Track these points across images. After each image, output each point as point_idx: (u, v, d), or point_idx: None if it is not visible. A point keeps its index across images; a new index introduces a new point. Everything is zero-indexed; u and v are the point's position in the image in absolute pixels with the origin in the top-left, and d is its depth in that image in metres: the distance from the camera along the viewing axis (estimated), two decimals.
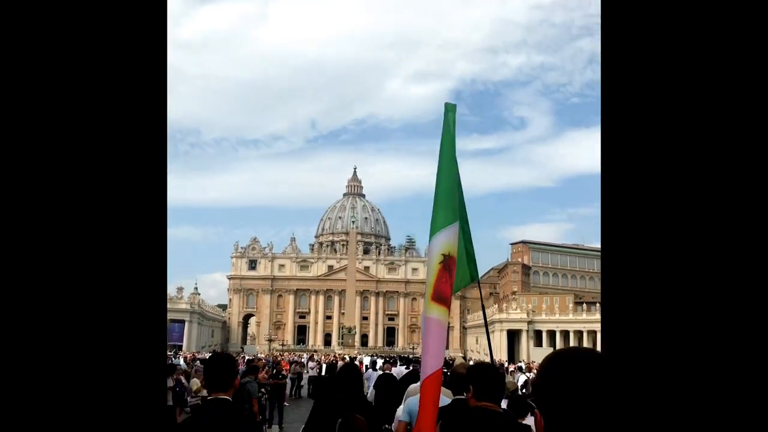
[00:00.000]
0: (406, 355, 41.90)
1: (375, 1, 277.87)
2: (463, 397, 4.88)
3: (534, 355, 74.64)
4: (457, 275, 5.29)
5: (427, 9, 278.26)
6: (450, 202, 5.16)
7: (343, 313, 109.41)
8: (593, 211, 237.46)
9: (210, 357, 4.30)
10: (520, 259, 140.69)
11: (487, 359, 6.15)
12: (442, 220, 5.03)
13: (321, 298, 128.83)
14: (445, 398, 5.30)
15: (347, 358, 39.08)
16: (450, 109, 5.51)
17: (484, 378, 3.89)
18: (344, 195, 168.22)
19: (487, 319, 6.59)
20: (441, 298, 4.77)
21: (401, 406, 6.18)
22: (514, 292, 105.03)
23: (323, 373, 18.53)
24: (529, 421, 5.81)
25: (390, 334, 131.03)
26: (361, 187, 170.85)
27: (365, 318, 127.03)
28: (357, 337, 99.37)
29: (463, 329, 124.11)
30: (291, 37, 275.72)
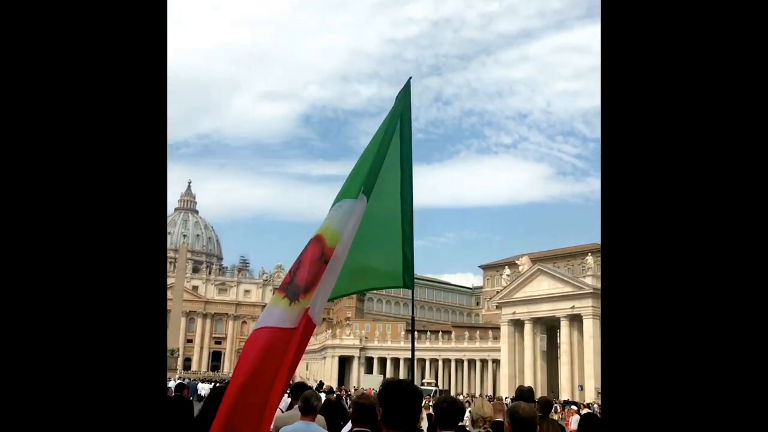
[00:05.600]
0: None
1: (227, 14, 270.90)
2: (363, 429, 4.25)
3: (364, 382, 73.72)
4: (384, 273, 5.28)
5: (282, 29, 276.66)
6: (359, 172, 4.51)
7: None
8: (428, 243, 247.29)
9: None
10: None
11: (315, 385, 6.31)
12: (342, 192, 4.46)
13: None
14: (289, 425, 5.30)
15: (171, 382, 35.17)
16: (407, 85, 5.50)
17: (397, 399, 3.08)
18: (176, 210, 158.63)
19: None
20: (283, 284, 4.07)
21: None
22: (347, 318, 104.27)
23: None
24: None
25: (216, 359, 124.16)
26: (195, 203, 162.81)
27: (189, 341, 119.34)
28: (180, 361, 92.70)
29: None
30: None
